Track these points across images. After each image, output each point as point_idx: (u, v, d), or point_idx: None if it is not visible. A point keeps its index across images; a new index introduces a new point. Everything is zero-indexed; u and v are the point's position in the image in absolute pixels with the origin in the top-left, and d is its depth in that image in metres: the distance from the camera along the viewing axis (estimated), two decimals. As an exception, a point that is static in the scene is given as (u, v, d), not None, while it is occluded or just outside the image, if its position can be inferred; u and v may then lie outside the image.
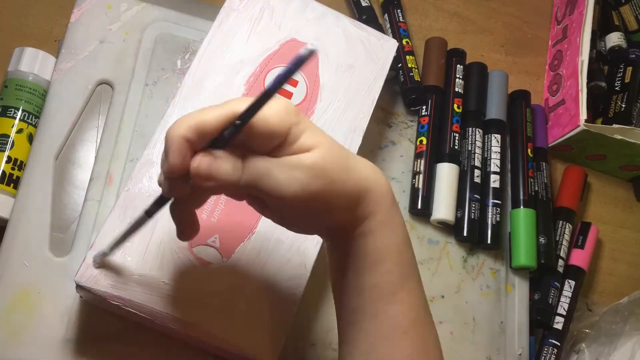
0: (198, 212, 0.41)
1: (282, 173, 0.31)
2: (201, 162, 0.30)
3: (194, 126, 0.30)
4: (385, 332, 0.34)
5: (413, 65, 0.60)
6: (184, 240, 0.36)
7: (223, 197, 0.43)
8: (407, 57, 0.60)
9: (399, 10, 0.63)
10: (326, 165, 0.31)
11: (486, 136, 0.60)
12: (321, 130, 0.33)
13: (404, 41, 0.61)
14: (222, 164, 0.30)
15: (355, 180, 0.33)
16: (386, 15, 0.64)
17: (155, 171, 0.43)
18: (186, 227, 0.35)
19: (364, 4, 0.63)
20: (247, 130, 0.30)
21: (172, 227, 0.41)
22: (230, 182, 0.31)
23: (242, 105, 0.30)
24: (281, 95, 0.30)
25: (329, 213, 0.33)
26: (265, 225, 0.43)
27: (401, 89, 0.60)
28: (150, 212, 0.34)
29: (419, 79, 0.60)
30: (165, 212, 0.42)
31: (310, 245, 0.44)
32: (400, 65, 0.60)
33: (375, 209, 0.33)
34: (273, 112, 0.30)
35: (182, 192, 0.32)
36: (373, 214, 0.33)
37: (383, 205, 0.34)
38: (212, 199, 0.43)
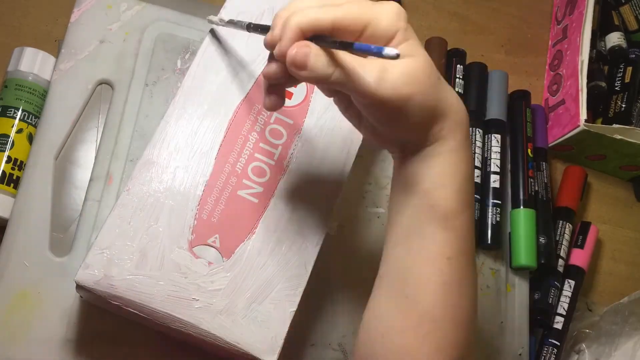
0: (198, 211, 0.41)
1: (375, 73, 0.32)
2: (298, 52, 0.31)
3: (311, 24, 0.32)
4: (429, 255, 0.35)
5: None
6: (267, 109, 0.37)
7: (223, 197, 0.43)
8: (407, 56, 0.60)
9: (398, 9, 0.63)
10: (419, 75, 0.33)
11: (486, 136, 0.60)
12: (420, 44, 0.34)
13: (403, 41, 0.61)
14: (317, 58, 0.31)
15: (440, 100, 0.34)
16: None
17: (155, 171, 0.43)
18: (274, 97, 0.36)
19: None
20: (357, 32, 0.32)
21: (172, 226, 0.42)
22: (322, 77, 0.32)
23: (358, 17, 0.32)
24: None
25: (407, 124, 0.34)
26: (265, 225, 0.43)
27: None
28: (250, 28, 0.39)
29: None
30: (164, 212, 0.42)
31: (310, 245, 0.44)
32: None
33: (449, 134, 0.34)
34: (386, 16, 0.32)
35: (280, 71, 0.34)
36: (446, 138, 0.34)
37: (458, 133, 0.35)
38: (212, 199, 0.43)
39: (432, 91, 0.33)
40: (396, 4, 0.33)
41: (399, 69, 0.32)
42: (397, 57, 0.29)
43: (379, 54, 0.29)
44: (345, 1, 0.33)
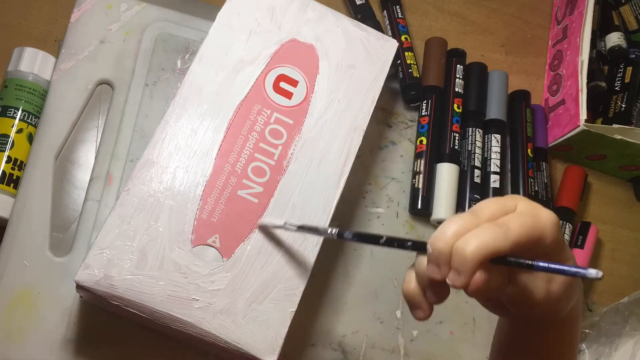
0: (198, 211, 0.41)
1: (543, 288, 0.33)
2: (479, 278, 0.30)
3: (493, 253, 0.30)
4: None
5: (412, 62, 0.60)
6: (416, 319, 0.34)
7: (223, 197, 0.43)
8: (406, 53, 0.60)
9: (397, 7, 0.63)
10: (574, 286, 0.35)
11: (486, 136, 0.60)
12: (570, 250, 0.35)
13: (402, 37, 0.61)
14: (494, 279, 0.31)
15: (575, 296, 0.36)
16: (385, 12, 0.64)
17: (155, 171, 0.43)
18: (425, 310, 0.33)
19: (358, 2, 0.62)
20: (527, 250, 0.31)
21: (172, 226, 0.42)
22: (495, 295, 0.32)
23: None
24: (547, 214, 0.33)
25: (555, 315, 0.36)
26: (265, 225, 0.44)
27: (400, 86, 0.60)
28: (386, 242, 0.32)
29: (418, 75, 0.60)
30: (164, 212, 0.42)
31: (310, 245, 0.44)
32: (399, 62, 0.60)
33: (577, 310, 0.38)
34: (550, 230, 0.31)
35: (443, 296, 0.32)
36: (573, 311, 0.37)
37: (578, 307, 0.38)
38: (212, 199, 0.43)
39: (577, 293, 0.36)
40: (552, 213, 0.32)
41: (560, 282, 0.33)
42: (601, 278, 0.28)
43: (582, 276, 0.28)
44: (512, 218, 0.31)
